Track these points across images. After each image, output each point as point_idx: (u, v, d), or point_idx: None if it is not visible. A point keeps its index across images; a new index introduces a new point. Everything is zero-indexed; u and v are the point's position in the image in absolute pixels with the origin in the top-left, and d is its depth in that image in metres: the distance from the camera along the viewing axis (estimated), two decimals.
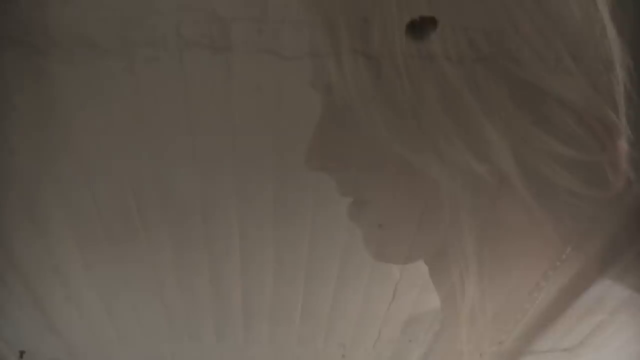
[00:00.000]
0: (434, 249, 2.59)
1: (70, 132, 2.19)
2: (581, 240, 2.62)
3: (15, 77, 1.95)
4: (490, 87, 1.64)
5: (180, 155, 2.19)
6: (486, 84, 1.62)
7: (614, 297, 2.99)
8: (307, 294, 2.93)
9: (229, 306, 3.02)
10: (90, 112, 2.05)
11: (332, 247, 2.62)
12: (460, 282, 2.85)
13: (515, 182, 1.86)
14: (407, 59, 1.55)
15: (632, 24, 1.51)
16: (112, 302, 3.00)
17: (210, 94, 1.98)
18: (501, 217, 2.42)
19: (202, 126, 2.07)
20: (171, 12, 1.63)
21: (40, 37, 1.66)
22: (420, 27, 1.35)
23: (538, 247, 2.61)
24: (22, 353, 3.34)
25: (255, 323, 3.16)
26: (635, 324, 3.21)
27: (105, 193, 2.37)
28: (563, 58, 1.51)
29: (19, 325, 3.21)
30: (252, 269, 2.75)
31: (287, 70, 1.82)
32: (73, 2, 1.61)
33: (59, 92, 2.04)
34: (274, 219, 2.46)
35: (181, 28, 1.67)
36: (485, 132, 1.77)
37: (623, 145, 1.59)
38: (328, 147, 2.04)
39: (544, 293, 2.94)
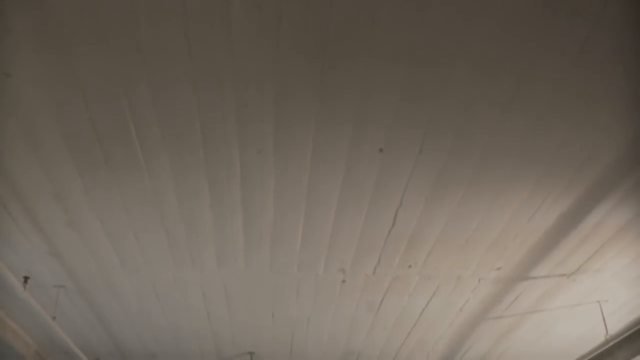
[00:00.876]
0: (435, 175, 2.62)
1: (69, 57, 2.18)
2: (582, 167, 2.64)
3: (13, 0, 1.91)
4: None
5: (179, 79, 2.18)
6: None
7: (613, 224, 3.04)
8: (307, 220, 2.98)
9: (229, 232, 3.06)
10: (89, 37, 2.03)
11: (333, 172, 2.65)
12: (460, 208, 2.89)
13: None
14: None
15: None
16: (113, 228, 3.05)
17: (209, 14, 1.96)
18: (502, 142, 2.43)
19: (201, 47, 2.05)
20: None
21: None
22: None
23: (538, 174, 2.63)
24: (26, 278, 3.41)
25: (256, 249, 3.21)
26: (634, 250, 3.28)
27: (104, 118, 2.37)
28: None
29: (22, 251, 3.27)
30: (253, 195, 2.78)
31: None
32: None
33: (58, 16, 2.01)
34: (274, 143, 2.47)
35: None
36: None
37: None
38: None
39: (544, 219, 2.98)
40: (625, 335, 3.78)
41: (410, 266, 3.37)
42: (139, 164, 2.61)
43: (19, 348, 4.43)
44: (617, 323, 3.92)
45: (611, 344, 3.85)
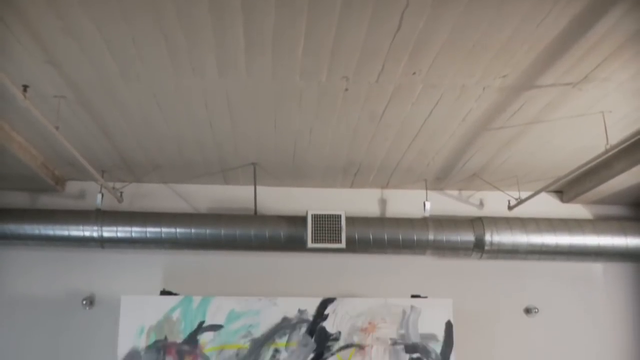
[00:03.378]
0: None
1: None
2: None
3: None
4: None
5: None
6: None
7: (622, 32, 3.00)
8: (310, 24, 2.95)
9: (230, 38, 3.04)
10: None
11: None
12: (468, 11, 2.83)
13: None
14: None
15: None
16: (111, 34, 3.03)
17: None
18: None
19: None
20: None
21: None
22: None
23: None
24: (25, 87, 3.45)
25: (258, 55, 3.21)
26: None
27: None
28: None
29: (20, 59, 3.27)
30: None
31: None
32: None
33: None
34: None
35: None
36: None
37: None
38: None
39: (553, 25, 2.93)
40: (624, 145, 3.87)
41: (414, 73, 3.39)
42: None
43: (25, 160, 4.60)
44: (618, 134, 4.01)
45: (610, 154, 3.96)
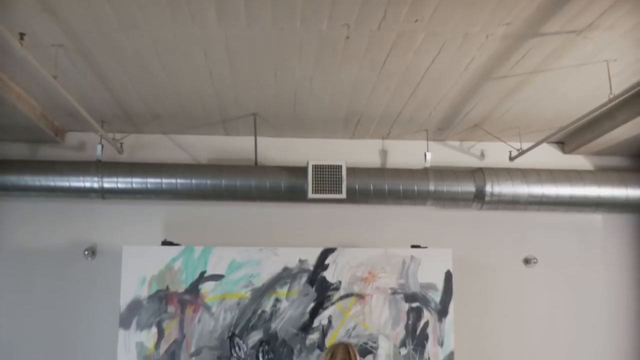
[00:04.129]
0: None
1: None
2: None
3: None
4: None
5: None
6: None
7: None
8: None
9: None
10: None
11: None
12: None
13: None
14: None
15: None
16: None
17: None
18: None
19: None
20: None
21: None
22: None
23: None
24: (22, 35, 3.41)
25: (258, 2, 3.15)
26: None
27: None
28: None
29: (16, 7, 3.23)
30: None
31: None
32: None
33: None
34: None
35: None
36: None
37: None
38: None
39: None
40: (628, 95, 3.85)
41: (416, 20, 3.35)
42: None
43: (24, 110, 4.60)
44: (622, 84, 3.99)
45: (613, 104, 3.95)
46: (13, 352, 5.20)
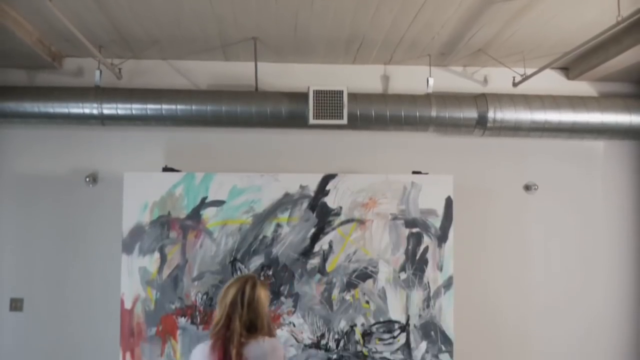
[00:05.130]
0: None
1: None
2: None
3: None
4: None
5: None
6: None
7: None
8: None
9: None
10: None
11: None
12: None
13: None
14: None
15: None
16: None
17: None
18: None
19: None
20: None
21: None
22: None
23: None
24: None
25: None
26: None
27: None
28: None
29: None
30: None
31: None
32: None
33: None
34: None
35: None
36: None
37: None
38: None
39: None
40: (636, 17, 3.77)
41: None
42: None
43: (20, 35, 4.56)
44: (630, 6, 3.89)
45: (620, 27, 3.87)
46: (16, 279, 5.31)
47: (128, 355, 4.71)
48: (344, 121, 5.03)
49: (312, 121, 5.02)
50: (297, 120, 5.15)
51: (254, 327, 2.85)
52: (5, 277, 5.31)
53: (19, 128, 5.32)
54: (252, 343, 2.80)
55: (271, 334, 2.94)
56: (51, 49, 5.15)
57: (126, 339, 4.74)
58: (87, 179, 5.30)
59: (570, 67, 5.54)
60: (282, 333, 4.75)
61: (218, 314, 2.87)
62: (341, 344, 4.79)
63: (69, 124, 5.22)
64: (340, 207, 4.87)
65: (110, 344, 4.95)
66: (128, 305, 4.75)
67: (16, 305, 5.29)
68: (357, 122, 5.16)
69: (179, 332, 4.75)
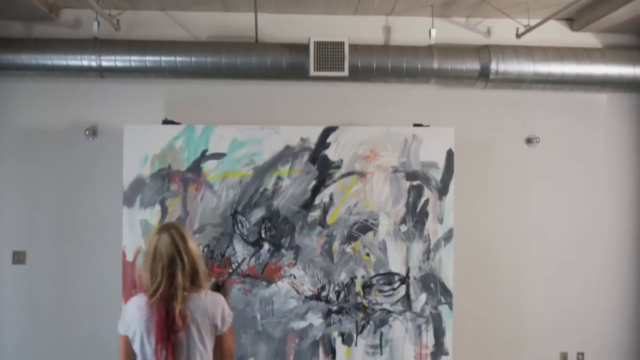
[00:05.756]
0: None
1: None
2: None
3: None
4: None
5: None
6: None
7: None
8: None
9: None
10: None
11: None
12: None
13: None
14: None
15: None
16: None
17: None
18: None
19: None
20: None
21: None
22: None
23: None
24: None
25: None
26: None
27: None
28: None
29: None
30: None
31: None
32: None
33: None
34: None
35: None
36: None
37: None
38: None
39: None
40: None
41: None
42: None
43: None
44: None
45: None
46: (19, 233, 5.34)
47: None
48: (345, 73, 4.98)
49: (312, 73, 4.97)
50: (297, 72, 5.10)
51: (194, 279, 2.74)
52: (7, 231, 5.34)
53: (17, 81, 5.28)
54: (195, 296, 2.72)
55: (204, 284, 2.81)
56: (48, 0, 5.07)
57: (128, 291, 4.78)
58: (87, 132, 5.28)
59: (574, 18, 5.45)
60: (282, 285, 4.82)
61: (154, 275, 2.68)
62: (341, 295, 4.84)
63: (67, 76, 5.17)
64: (341, 160, 4.86)
65: (113, 296, 5.00)
66: (130, 257, 4.78)
67: (19, 258, 5.34)
68: (358, 74, 5.11)
69: None
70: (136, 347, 2.65)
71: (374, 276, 4.84)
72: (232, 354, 2.80)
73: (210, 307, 2.69)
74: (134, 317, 2.67)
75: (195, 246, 2.81)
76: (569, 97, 5.48)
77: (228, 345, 2.78)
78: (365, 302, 4.84)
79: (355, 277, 4.84)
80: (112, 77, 5.16)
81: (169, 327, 2.59)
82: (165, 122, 4.93)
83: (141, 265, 2.68)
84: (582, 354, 5.49)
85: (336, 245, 4.84)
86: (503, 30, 5.38)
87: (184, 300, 2.65)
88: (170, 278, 2.65)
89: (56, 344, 5.31)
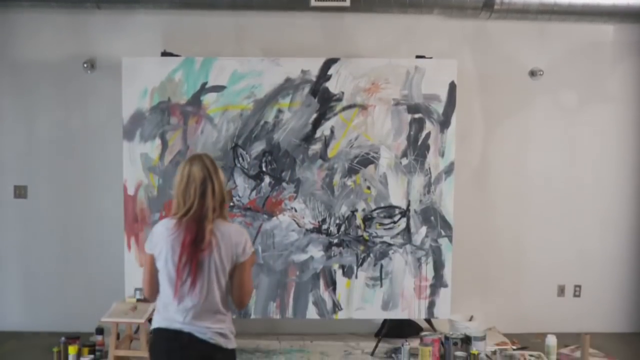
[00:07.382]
0: None
1: None
2: None
3: None
4: None
5: None
6: None
7: None
8: None
9: None
10: None
11: None
12: None
13: None
14: None
15: None
16: None
17: None
18: None
19: None
20: None
21: None
22: None
23: None
24: None
25: None
26: None
27: None
28: None
29: None
30: None
31: None
32: None
33: None
34: None
35: None
36: None
37: None
38: None
39: None
40: None
41: None
42: None
43: None
44: None
45: None
46: (19, 167, 5.35)
47: (133, 240, 4.81)
48: (347, 3, 4.91)
49: (313, 3, 4.89)
50: (298, 2, 5.01)
51: (221, 208, 2.76)
52: (8, 165, 5.35)
53: (14, 12, 5.19)
54: (221, 222, 2.74)
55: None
56: None
57: (130, 224, 4.83)
58: (85, 65, 5.20)
59: None
60: (284, 218, 4.84)
61: (187, 196, 2.70)
62: (342, 228, 4.87)
63: (63, 7, 5.08)
64: (342, 92, 4.80)
65: (115, 230, 5.04)
66: (131, 191, 4.80)
67: (20, 192, 5.36)
68: (360, 4, 5.01)
69: None
70: (160, 265, 2.71)
71: (375, 209, 4.86)
72: (249, 286, 2.82)
73: (234, 235, 2.72)
74: (162, 236, 2.71)
75: (223, 177, 2.84)
76: (574, 28, 5.36)
77: (246, 277, 2.81)
78: (365, 235, 4.87)
79: (356, 210, 4.86)
80: (109, 8, 5.07)
81: (196, 245, 2.64)
82: (164, 54, 4.85)
83: (173, 191, 2.75)
84: (580, 286, 5.57)
85: (337, 178, 4.84)
86: None
87: (214, 220, 2.69)
88: (202, 198, 2.67)
89: (58, 277, 5.39)
